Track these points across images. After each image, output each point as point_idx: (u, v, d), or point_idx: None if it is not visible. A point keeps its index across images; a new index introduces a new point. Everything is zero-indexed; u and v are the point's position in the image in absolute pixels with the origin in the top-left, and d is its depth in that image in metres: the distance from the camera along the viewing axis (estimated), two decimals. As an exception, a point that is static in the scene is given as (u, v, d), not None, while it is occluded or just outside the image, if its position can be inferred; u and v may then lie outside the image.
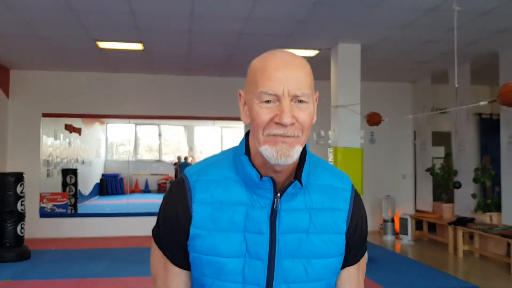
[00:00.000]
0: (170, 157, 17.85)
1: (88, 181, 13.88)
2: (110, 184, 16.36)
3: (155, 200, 13.65)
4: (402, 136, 9.24)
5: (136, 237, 8.27)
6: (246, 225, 1.04)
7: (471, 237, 7.03)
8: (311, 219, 1.07)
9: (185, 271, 1.10)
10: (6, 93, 8.16)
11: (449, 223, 7.06)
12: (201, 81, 8.73)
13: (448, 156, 8.28)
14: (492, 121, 8.58)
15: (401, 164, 9.23)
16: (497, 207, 6.83)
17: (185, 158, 14.68)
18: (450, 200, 7.93)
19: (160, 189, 16.86)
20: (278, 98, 1.00)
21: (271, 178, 1.04)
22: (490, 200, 7.20)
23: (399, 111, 9.03)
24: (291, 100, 1.01)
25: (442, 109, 8.47)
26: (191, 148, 18.61)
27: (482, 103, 4.20)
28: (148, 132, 18.33)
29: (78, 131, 12.75)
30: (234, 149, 1.14)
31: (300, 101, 1.02)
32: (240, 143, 1.12)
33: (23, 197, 6.62)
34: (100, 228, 8.41)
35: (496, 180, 7.04)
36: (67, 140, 11.75)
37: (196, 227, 1.05)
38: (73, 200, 9.76)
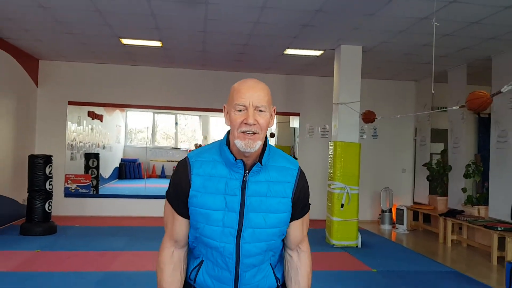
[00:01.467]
0: (185, 145, 18.52)
1: (108, 165, 14.54)
2: (128, 169, 17.06)
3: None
4: (404, 132, 9.72)
5: (152, 217, 9.00)
6: (226, 190, 1.64)
7: (461, 228, 7.53)
8: (269, 188, 1.67)
9: (184, 219, 1.72)
10: (35, 81, 8.87)
11: (440, 215, 7.58)
12: (215, 75, 9.32)
13: (444, 152, 8.76)
14: (489, 119, 9.00)
15: (402, 158, 9.72)
16: (485, 201, 7.32)
17: (197, 146, 15.34)
18: (444, 193, 8.43)
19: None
20: (246, 108, 1.61)
21: (242, 160, 1.64)
22: (479, 194, 7.69)
23: (403, 108, 9.53)
24: (254, 109, 1.61)
25: (442, 107, 8.95)
26: (205, 137, 19.26)
27: (454, 107, 4.70)
28: (165, 120, 19.03)
29: (100, 117, 13.46)
30: (220, 141, 1.74)
31: (260, 110, 1.62)
32: (224, 137, 1.72)
33: (51, 177, 7.32)
34: (119, 208, 9.15)
35: (486, 176, 7.51)
36: (90, 126, 12.47)
37: (193, 190, 1.65)
38: (95, 182, 10.49)
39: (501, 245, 6.28)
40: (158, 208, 9.17)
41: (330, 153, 7.18)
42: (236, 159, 1.64)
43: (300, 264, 1.80)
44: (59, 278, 4.89)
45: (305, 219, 1.81)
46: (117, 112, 16.44)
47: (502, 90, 3.42)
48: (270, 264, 1.77)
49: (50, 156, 7.37)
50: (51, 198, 7.34)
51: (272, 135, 12.99)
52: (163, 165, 18.18)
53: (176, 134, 19.13)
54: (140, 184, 14.17)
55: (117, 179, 15.93)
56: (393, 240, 7.85)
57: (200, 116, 18.93)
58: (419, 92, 9.53)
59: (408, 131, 9.76)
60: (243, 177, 1.65)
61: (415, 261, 6.29)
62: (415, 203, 9.38)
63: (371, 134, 9.54)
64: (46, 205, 7.22)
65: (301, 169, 1.77)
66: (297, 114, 9.53)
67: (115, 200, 9.29)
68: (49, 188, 7.29)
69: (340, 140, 7.00)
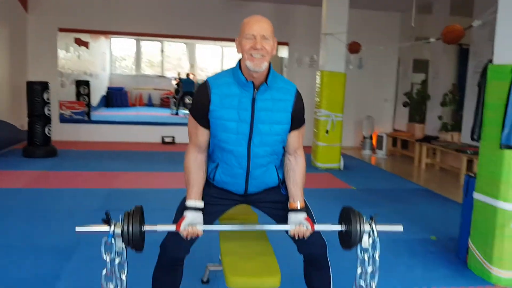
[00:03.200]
0: (172, 73, 18.50)
1: (95, 93, 14.59)
2: (115, 97, 17.19)
3: (162, 113, 14.64)
4: (388, 63, 10.08)
5: (145, 143, 9.44)
6: (239, 105, 2.05)
7: (435, 153, 8.16)
8: (273, 104, 2.09)
9: (205, 129, 2.13)
10: (25, 8, 8.85)
11: (417, 140, 8.17)
12: (202, 2, 9.38)
13: (424, 82, 9.21)
14: (467, 50, 9.39)
15: (384, 88, 10.17)
16: (459, 128, 7.90)
17: (187, 75, 15.41)
18: (422, 121, 8.99)
19: (162, 103, 17.74)
20: (254, 37, 2.00)
21: (252, 81, 2.05)
22: (453, 122, 8.26)
23: (388, 39, 9.82)
24: (261, 37, 2.00)
25: (425, 38, 9.24)
26: (192, 65, 19.29)
27: (431, 39, 5.06)
28: (150, 47, 18.89)
29: (85, 44, 13.42)
30: (233, 67, 2.12)
31: (265, 38, 2.01)
32: (236, 64, 2.11)
33: (49, 103, 7.60)
34: (113, 134, 9.51)
35: (462, 105, 8.03)
36: (77, 53, 12.49)
37: (213, 105, 2.06)
38: (86, 109, 10.77)
39: (470, 167, 6.92)
40: (151, 134, 9.60)
41: (317, 82, 7.55)
42: (247, 80, 2.04)
43: (297, 166, 2.26)
44: (69, 193, 5.37)
45: (301, 131, 2.24)
46: (102, 39, 16.27)
47: (473, 24, 3.79)
48: (275, 166, 2.24)
49: (47, 82, 7.60)
50: (50, 123, 7.66)
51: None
52: (149, 94, 18.28)
53: (162, 62, 19.12)
54: (131, 112, 14.47)
55: (104, 107, 16.10)
56: (373, 164, 8.48)
57: (186, 43, 18.85)
58: (404, 23, 9.77)
59: (391, 62, 10.12)
60: (253, 95, 2.05)
61: (391, 181, 6.93)
62: (394, 130, 9.96)
63: (356, 65, 9.87)
64: (46, 129, 7.56)
65: (297, 90, 2.18)
66: (286, 44, 9.77)
67: (109, 126, 9.65)
68: (48, 113, 7.59)
69: (327, 69, 7.36)
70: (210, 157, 2.25)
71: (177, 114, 14.33)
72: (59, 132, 9.17)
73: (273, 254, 2.33)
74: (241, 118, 2.05)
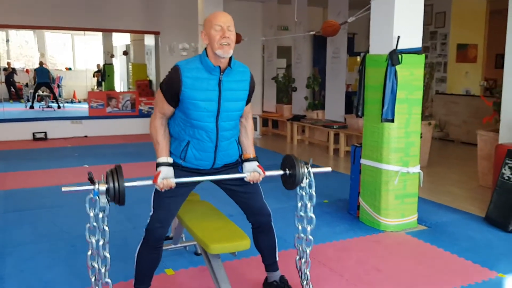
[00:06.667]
0: (20, 64, 16.97)
1: None
2: (-48, 92, 15.22)
3: (20, 108, 13.43)
4: (254, 49, 10.80)
5: (16, 141, 8.80)
6: (207, 87, 2.40)
7: (303, 130, 9.18)
8: (236, 84, 2.48)
9: (171, 107, 2.45)
10: None
11: (287, 120, 9.11)
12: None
13: (288, 67, 10.20)
14: (325, 38, 10.61)
15: (252, 73, 10.90)
16: (322, 107, 9.02)
17: (40, 63, 14.44)
18: (289, 102, 9.98)
19: (12, 97, 16.15)
20: (221, 28, 2.36)
21: (219, 66, 2.40)
22: (317, 101, 9.38)
23: (252, 28, 10.53)
24: (227, 28, 2.36)
25: (285, 27, 10.21)
26: (42, 54, 17.92)
27: (312, 32, 5.85)
28: (-8, 36, 17.03)
29: None
30: (200, 55, 2.46)
31: (230, 30, 2.38)
32: (203, 52, 2.45)
33: None
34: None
35: (323, 86, 9.17)
36: None
37: (184, 87, 2.37)
38: None
39: (335, 140, 8.02)
40: (19, 131, 8.98)
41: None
42: (214, 65, 2.40)
43: (247, 124, 2.69)
44: (-43, 200, 4.97)
45: (250, 104, 2.69)
46: None
47: (348, 20, 4.56)
48: (235, 140, 2.64)
49: None
50: None
51: (125, 53, 12.97)
52: (-8, 87, 16.48)
53: (8, 52, 17.37)
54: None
55: None
56: (250, 144, 9.20)
57: (34, 31, 17.39)
58: (266, 12, 10.59)
59: (257, 49, 10.88)
60: (219, 77, 2.42)
61: (272, 158, 7.66)
62: (264, 111, 10.82)
63: (225, 52, 10.42)
64: None
65: (250, 71, 2.60)
66: (157, 33, 9.87)
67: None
68: None
69: (206, 58, 7.75)
70: (178, 138, 2.54)
71: (32, 107, 13.30)
72: None
73: (234, 223, 2.75)
74: (210, 97, 2.40)
